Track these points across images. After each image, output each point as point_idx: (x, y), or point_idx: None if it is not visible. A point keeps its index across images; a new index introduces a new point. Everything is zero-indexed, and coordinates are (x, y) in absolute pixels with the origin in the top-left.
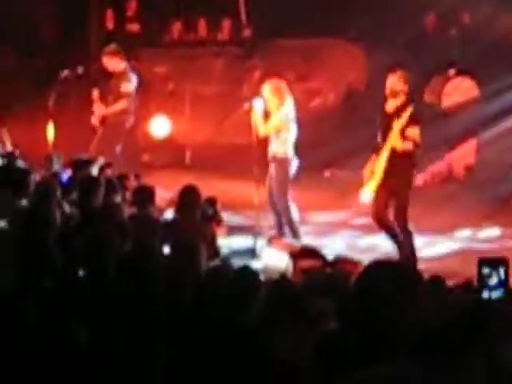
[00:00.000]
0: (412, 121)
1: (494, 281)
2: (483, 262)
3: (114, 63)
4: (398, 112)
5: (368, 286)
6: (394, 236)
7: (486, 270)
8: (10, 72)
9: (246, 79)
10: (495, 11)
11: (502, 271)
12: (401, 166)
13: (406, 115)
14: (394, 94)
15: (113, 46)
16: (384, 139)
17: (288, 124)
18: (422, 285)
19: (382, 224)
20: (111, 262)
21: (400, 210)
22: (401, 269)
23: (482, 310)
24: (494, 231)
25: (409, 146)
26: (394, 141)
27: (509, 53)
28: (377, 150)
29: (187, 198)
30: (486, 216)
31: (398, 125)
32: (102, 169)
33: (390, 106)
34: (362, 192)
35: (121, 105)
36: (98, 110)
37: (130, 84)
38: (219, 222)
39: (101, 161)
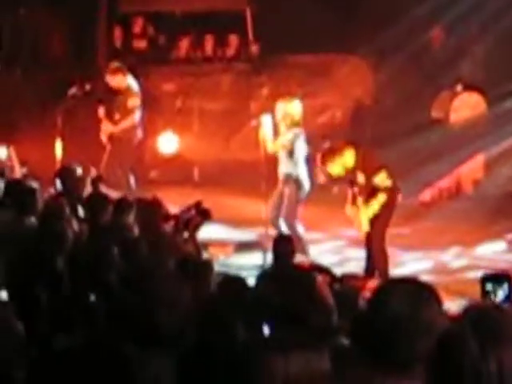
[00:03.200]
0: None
1: (499, 296)
2: (486, 278)
3: (117, 80)
4: (358, 165)
5: (382, 305)
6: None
7: (489, 287)
8: (17, 89)
9: (254, 95)
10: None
11: (506, 286)
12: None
13: (380, 175)
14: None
15: (115, 64)
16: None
17: (299, 144)
18: (440, 304)
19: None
20: (112, 278)
21: (380, 234)
22: (420, 287)
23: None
24: (500, 246)
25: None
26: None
27: None
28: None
29: (142, 214)
30: (494, 231)
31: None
32: (93, 182)
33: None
34: (359, 225)
35: (129, 121)
36: (106, 127)
37: (136, 99)
38: (195, 227)
39: (92, 173)
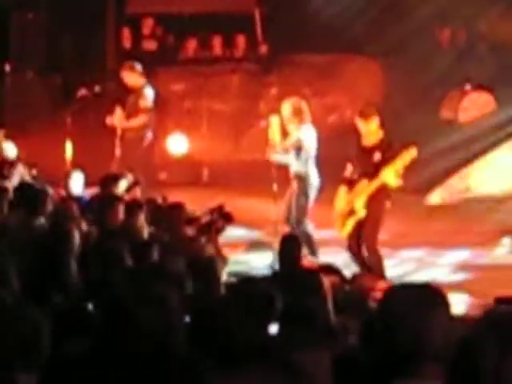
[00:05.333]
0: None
1: None
2: (500, 301)
3: (132, 78)
4: (378, 148)
5: (393, 309)
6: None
7: None
8: (27, 90)
9: (263, 96)
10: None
11: None
12: (380, 197)
13: (405, 155)
14: (370, 134)
15: (132, 62)
16: (365, 174)
17: (308, 143)
18: (448, 308)
19: (358, 255)
20: (119, 278)
21: (372, 235)
22: (426, 290)
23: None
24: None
25: (400, 182)
26: (389, 178)
27: None
28: (348, 183)
29: (164, 217)
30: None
31: (397, 164)
32: (130, 187)
33: (367, 141)
34: (340, 230)
35: (140, 120)
36: (119, 121)
37: (148, 100)
38: (218, 230)
39: (129, 178)
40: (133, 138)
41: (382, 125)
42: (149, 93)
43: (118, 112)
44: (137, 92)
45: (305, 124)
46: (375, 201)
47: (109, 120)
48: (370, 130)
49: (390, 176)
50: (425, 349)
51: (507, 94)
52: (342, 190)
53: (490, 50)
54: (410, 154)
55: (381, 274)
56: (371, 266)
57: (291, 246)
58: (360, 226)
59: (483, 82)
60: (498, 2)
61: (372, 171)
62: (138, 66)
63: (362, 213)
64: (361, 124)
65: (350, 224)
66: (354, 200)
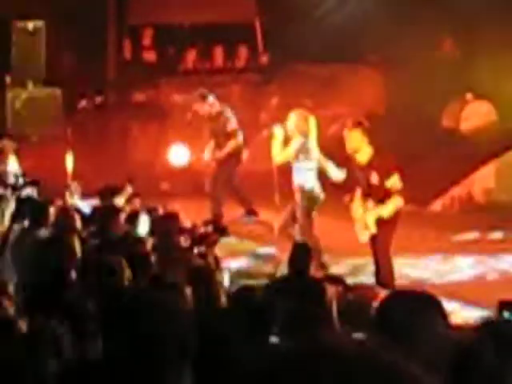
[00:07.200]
0: (389, 172)
1: None
2: (504, 305)
3: (206, 108)
4: (371, 167)
5: (388, 316)
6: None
7: (506, 314)
8: (28, 101)
9: (264, 106)
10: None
11: None
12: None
13: (393, 179)
14: (357, 150)
15: (202, 91)
16: (367, 192)
17: (310, 155)
18: (442, 314)
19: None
20: (116, 290)
21: (384, 248)
22: (423, 298)
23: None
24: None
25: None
26: (384, 212)
27: None
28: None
29: (157, 226)
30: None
31: (384, 211)
32: (129, 198)
33: (361, 158)
34: (361, 234)
35: (232, 143)
36: (214, 154)
37: (232, 121)
38: (211, 243)
39: (128, 190)
40: (231, 163)
41: (371, 142)
42: (227, 113)
43: (213, 143)
44: (216, 118)
45: (309, 136)
46: (385, 221)
47: (208, 155)
48: (350, 139)
49: (386, 210)
50: (418, 353)
51: (508, 104)
52: (358, 192)
53: (490, 59)
54: (395, 203)
55: (390, 285)
56: (381, 276)
57: (302, 252)
58: (373, 238)
59: (484, 92)
60: (500, 13)
61: (372, 194)
62: (209, 94)
63: (373, 229)
64: (346, 133)
65: (367, 234)
66: (366, 215)
